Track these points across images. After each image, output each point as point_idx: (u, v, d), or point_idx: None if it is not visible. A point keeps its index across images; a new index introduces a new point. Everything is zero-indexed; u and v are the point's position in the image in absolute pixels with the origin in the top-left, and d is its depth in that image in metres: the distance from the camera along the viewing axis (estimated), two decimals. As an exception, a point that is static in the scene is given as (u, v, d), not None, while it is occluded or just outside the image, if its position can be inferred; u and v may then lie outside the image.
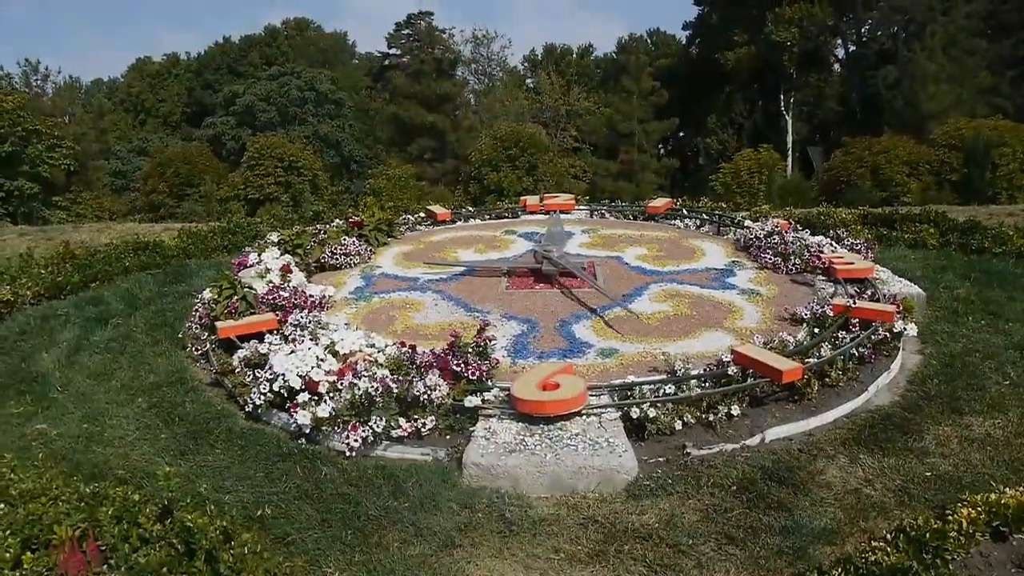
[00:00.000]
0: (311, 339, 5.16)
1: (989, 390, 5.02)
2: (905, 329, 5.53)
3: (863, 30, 44.74)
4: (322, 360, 4.83)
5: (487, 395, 4.67)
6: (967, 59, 35.76)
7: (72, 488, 3.55)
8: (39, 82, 47.92)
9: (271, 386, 4.78)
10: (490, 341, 5.10)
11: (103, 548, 3.10)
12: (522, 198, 11.04)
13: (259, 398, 4.79)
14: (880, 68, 39.98)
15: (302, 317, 5.71)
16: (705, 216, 9.56)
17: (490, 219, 10.41)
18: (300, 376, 4.71)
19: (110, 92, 59.30)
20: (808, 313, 5.77)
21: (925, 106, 34.25)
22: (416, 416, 4.43)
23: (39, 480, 3.61)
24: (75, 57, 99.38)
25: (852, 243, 7.82)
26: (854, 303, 5.67)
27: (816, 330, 5.50)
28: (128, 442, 4.65)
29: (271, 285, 6.55)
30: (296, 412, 4.49)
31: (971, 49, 36.25)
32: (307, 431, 4.51)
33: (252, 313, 6.06)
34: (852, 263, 6.82)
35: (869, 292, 6.24)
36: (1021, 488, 3.55)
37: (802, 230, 8.23)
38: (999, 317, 6.30)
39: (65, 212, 31.48)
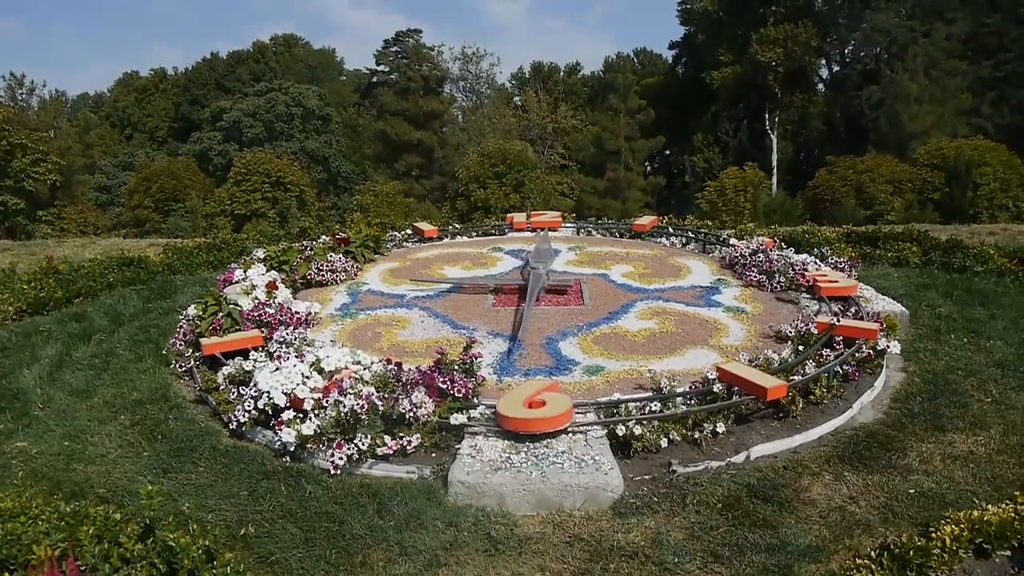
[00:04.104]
0: (296, 356, 5.13)
1: (971, 407, 5.06)
2: (888, 347, 5.58)
3: (846, 51, 45.48)
4: (307, 377, 4.80)
5: (473, 413, 4.66)
6: (948, 80, 36.46)
7: (52, 507, 3.52)
8: (24, 95, 47.84)
9: (256, 403, 4.74)
10: (476, 358, 5.09)
11: (83, 568, 3.07)
12: (509, 215, 11.06)
13: (243, 415, 4.75)
14: (863, 88, 40.67)
15: (288, 334, 5.68)
16: (691, 234, 9.62)
17: (477, 236, 10.44)
18: (285, 393, 4.68)
19: (96, 106, 59.21)
20: (793, 331, 5.80)
21: (907, 126, 34.87)
22: (401, 434, 4.42)
23: (18, 499, 3.57)
24: (61, 71, 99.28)
25: (836, 261, 7.88)
26: (838, 321, 5.71)
27: (801, 348, 5.53)
28: (110, 460, 4.59)
29: (257, 301, 6.52)
30: (281, 430, 4.46)
31: (952, 70, 36.95)
32: (292, 449, 4.47)
33: (237, 330, 6.02)
34: (836, 281, 6.87)
35: (853, 310, 6.29)
36: (1003, 505, 3.58)
37: (787, 248, 8.29)
38: (981, 335, 6.37)
39: (49, 227, 31.34)
